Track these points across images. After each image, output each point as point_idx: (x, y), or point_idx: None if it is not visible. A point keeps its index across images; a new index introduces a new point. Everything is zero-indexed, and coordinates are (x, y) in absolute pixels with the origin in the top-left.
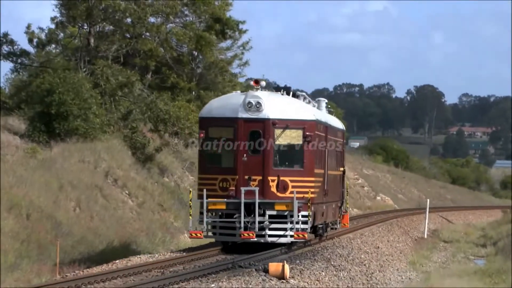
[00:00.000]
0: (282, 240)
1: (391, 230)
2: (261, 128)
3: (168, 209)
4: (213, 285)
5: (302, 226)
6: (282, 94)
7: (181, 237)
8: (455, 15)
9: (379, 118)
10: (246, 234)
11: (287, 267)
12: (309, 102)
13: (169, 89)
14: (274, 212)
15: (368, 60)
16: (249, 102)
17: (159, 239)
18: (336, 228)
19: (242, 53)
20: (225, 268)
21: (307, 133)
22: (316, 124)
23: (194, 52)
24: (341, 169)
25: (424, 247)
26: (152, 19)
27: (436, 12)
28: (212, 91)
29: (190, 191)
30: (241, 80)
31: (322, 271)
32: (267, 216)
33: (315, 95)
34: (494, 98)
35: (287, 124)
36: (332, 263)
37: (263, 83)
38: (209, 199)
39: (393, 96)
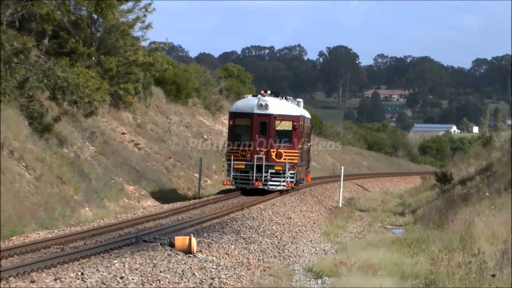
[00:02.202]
0: (279, 188)
1: (304, 200)
2: (267, 120)
3: (67, 181)
4: (115, 261)
5: (290, 179)
6: (280, 99)
7: (82, 211)
8: None
9: (290, 82)
10: (256, 183)
11: (194, 240)
12: (293, 102)
13: (68, 54)
14: (273, 171)
15: (280, 23)
16: (261, 104)
17: (58, 214)
18: (303, 182)
19: (145, 16)
20: (128, 243)
21: (295, 124)
22: (300, 117)
23: (93, 15)
24: (309, 144)
25: (339, 216)
26: None
27: None
28: (113, 56)
29: (223, 156)
30: (144, 44)
31: (232, 244)
32: (269, 173)
33: (222, 59)
34: (411, 59)
35: (283, 118)
36: (241, 235)
37: (269, 92)
38: (235, 161)
39: (305, 58)
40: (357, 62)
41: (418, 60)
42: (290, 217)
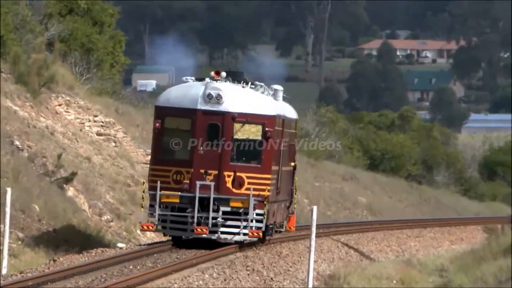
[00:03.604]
0: (236, 238)
1: (233, 279)
2: (220, 122)
3: None
4: None
5: (257, 224)
6: (243, 87)
7: None
8: None
9: (202, 24)
10: (199, 230)
11: None
12: (265, 91)
13: None
14: (228, 209)
15: None
16: (209, 94)
17: None
18: (281, 231)
19: None
20: None
21: (266, 129)
22: (276, 119)
23: None
24: (292, 164)
25: None
26: None
27: None
28: None
29: (144, 182)
30: None
31: None
32: (220, 213)
33: None
34: None
35: (247, 119)
36: None
37: (224, 74)
38: (162, 192)
39: None
40: None
41: None
42: None
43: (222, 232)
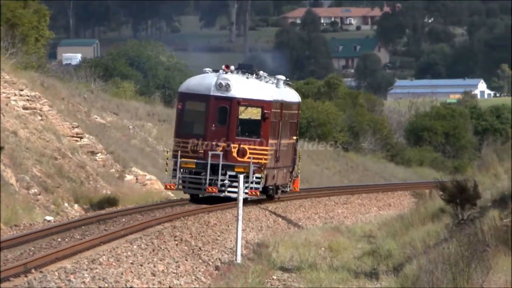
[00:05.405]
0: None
1: (161, 249)
2: (228, 105)
3: None
4: None
5: (255, 185)
6: (248, 78)
7: None
8: None
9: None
10: (210, 189)
11: None
12: (269, 80)
13: None
14: (233, 173)
15: None
16: (220, 83)
17: None
18: (287, 191)
19: None
20: None
21: (265, 111)
22: (272, 103)
23: None
24: (294, 138)
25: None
26: None
27: None
28: None
29: (167, 151)
30: None
31: None
32: (227, 176)
33: None
34: None
35: (250, 103)
36: None
37: (232, 68)
38: (182, 159)
39: None
40: None
41: None
42: None
43: (229, 191)
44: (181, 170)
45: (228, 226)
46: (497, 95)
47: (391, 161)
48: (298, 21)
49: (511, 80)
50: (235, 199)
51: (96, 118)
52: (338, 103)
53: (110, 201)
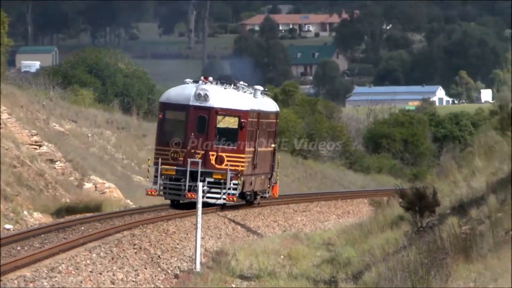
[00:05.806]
0: (217, 201)
1: (120, 258)
2: (206, 114)
3: None
4: None
5: (233, 192)
6: (226, 88)
7: None
8: None
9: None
10: (189, 195)
11: None
12: (247, 91)
13: None
14: (212, 180)
15: None
16: (199, 94)
17: None
18: (266, 197)
19: None
20: None
21: (242, 120)
22: (249, 113)
23: None
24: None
25: None
26: None
27: None
28: None
29: (149, 159)
30: None
31: None
32: (206, 182)
33: None
34: None
35: (227, 112)
36: None
37: (211, 79)
38: (163, 166)
39: None
40: None
41: None
42: None
43: (207, 197)
44: (162, 176)
45: (187, 234)
46: (456, 102)
47: (350, 168)
48: (257, 28)
49: (469, 87)
50: (214, 205)
51: (55, 126)
52: (296, 110)
53: (69, 209)
